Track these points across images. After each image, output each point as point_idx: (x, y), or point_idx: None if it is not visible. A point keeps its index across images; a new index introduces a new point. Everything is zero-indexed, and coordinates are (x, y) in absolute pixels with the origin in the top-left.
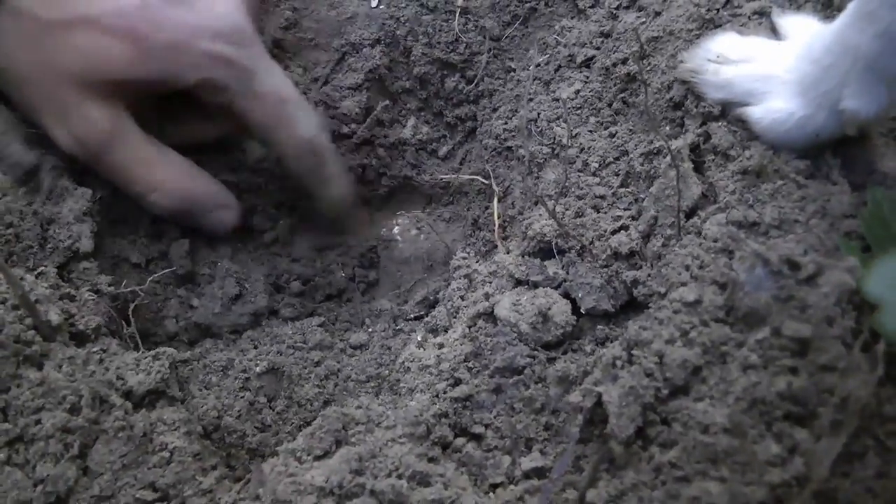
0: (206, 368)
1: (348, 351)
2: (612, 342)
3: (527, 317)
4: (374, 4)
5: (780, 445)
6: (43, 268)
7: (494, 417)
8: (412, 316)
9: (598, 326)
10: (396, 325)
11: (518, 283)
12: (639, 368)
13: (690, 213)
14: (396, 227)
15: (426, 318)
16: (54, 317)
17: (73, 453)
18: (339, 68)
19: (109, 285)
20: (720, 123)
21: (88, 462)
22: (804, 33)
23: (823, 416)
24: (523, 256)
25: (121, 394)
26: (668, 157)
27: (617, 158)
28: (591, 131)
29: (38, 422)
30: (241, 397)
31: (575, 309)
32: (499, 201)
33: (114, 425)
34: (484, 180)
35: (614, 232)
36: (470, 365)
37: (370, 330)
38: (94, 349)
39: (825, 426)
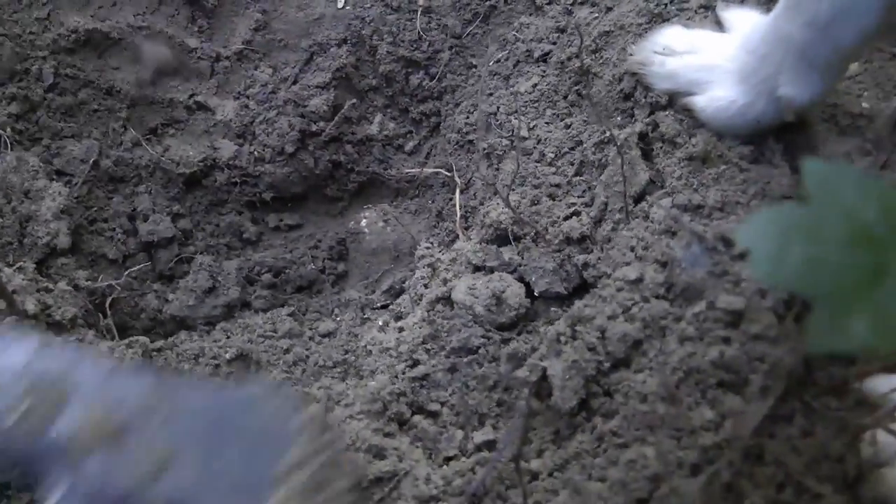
0: (178, 357)
1: (316, 339)
2: None
3: (482, 300)
4: (340, 5)
5: (714, 411)
6: (22, 263)
7: (449, 395)
8: (378, 305)
9: (552, 308)
10: (364, 314)
11: (475, 268)
12: (581, 343)
13: (639, 199)
14: (364, 220)
15: (391, 307)
16: (31, 306)
17: None
18: (307, 68)
19: (87, 280)
20: (667, 112)
21: None
22: (745, 25)
23: (754, 383)
24: (481, 243)
25: None
26: (616, 146)
27: (572, 148)
28: (547, 123)
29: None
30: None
31: (529, 292)
32: (461, 193)
33: None
34: (447, 173)
35: (567, 218)
36: (427, 346)
37: (339, 319)
38: (71, 339)
39: (755, 391)
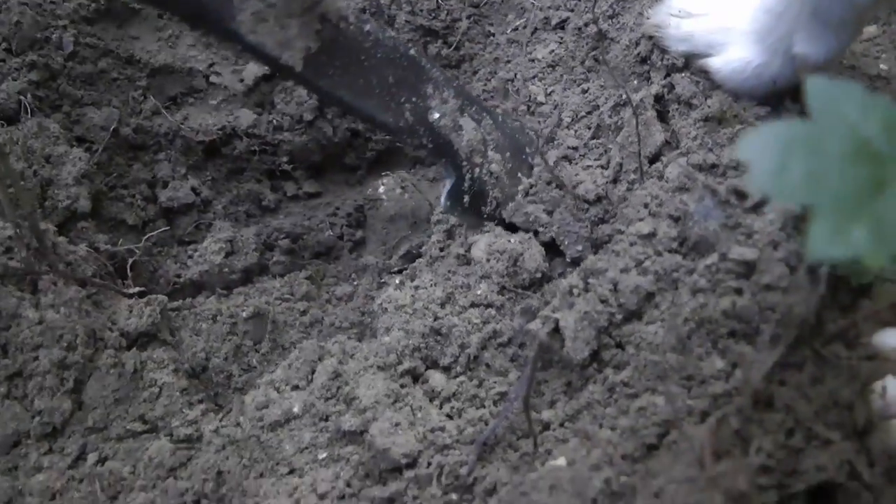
0: (196, 316)
1: (333, 301)
2: None
3: (501, 260)
4: None
5: (724, 360)
6: (43, 225)
7: (463, 350)
8: (395, 269)
9: (569, 269)
10: (381, 279)
11: (497, 228)
12: (594, 295)
13: (654, 159)
14: (382, 187)
15: (407, 270)
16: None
17: (69, 388)
18: None
19: (106, 243)
20: (683, 74)
21: (83, 396)
22: None
23: (765, 332)
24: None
25: (114, 334)
26: (632, 107)
27: (589, 112)
28: (565, 88)
29: (35, 358)
30: (229, 340)
31: (549, 252)
32: None
33: (107, 362)
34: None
35: (583, 182)
36: (443, 302)
37: (356, 283)
38: (91, 293)
39: (766, 340)
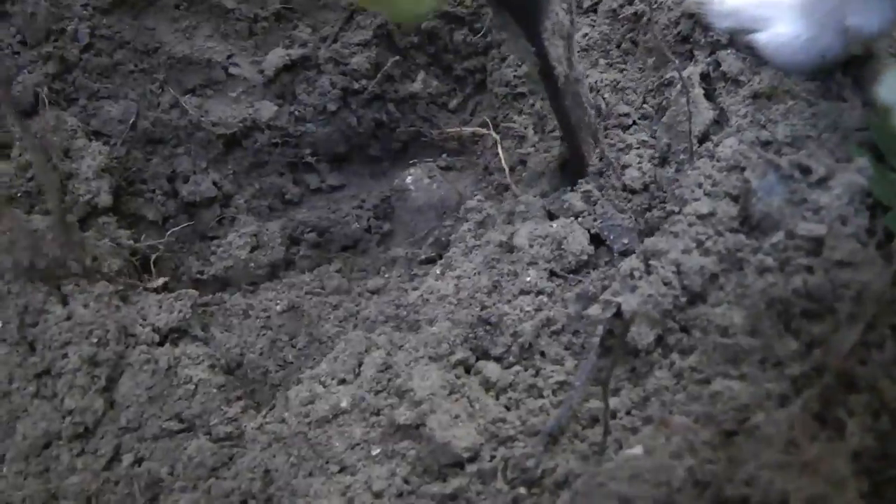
0: (226, 312)
1: (366, 295)
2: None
3: (545, 245)
4: None
5: (799, 341)
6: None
7: (515, 339)
8: (423, 257)
9: (616, 257)
10: (412, 270)
11: (542, 216)
12: (656, 278)
13: (703, 139)
14: (410, 178)
15: (440, 261)
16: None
17: (100, 386)
18: (347, 26)
19: (128, 239)
20: (729, 51)
21: (115, 395)
22: None
23: (840, 310)
24: (543, 195)
25: (146, 330)
26: (679, 86)
27: (630, 95)
28: (601, 72)
29: (64, 355)
30: (263, 335)
31: (592, 239)
32: (510, 148)
33: (139, 359)
34: (485, 131)
35: (626, 166)
36: (489, 291)
37: (386, 276)
38: (119, 289)
39: (842, 319)
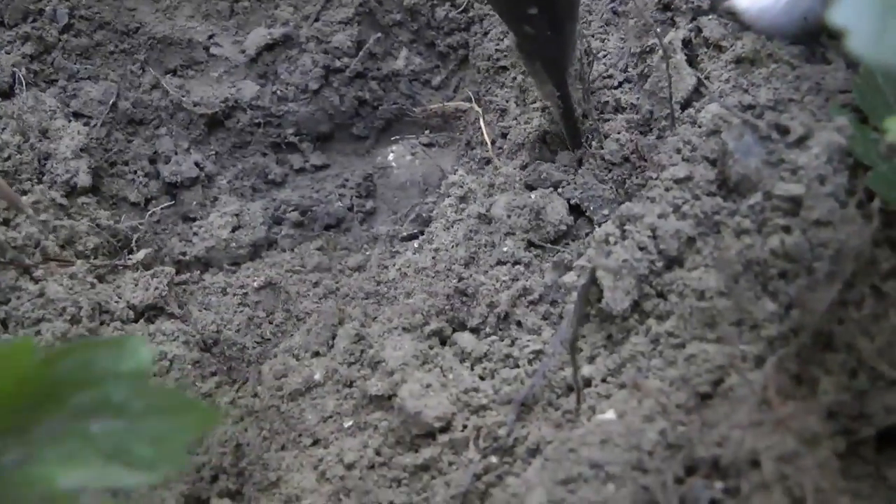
0: (205, 290)
1: (347, 272)
2: None
3: (523, 215)
4: None
5: (776, 303)
6: (42, 199)
7: (492, 310)
8: (405, 234)
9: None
10: (394, 247)
11: (520, 188)
12: (632, 242)
13: (685, 105)
14: (391, 155)
15: (422, 236)
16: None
17: None
18: (329, 4)
19: (108, 220)
20: (710, 17)
21: None
22: None
23: (818, 269)
24: (524, 167)
25: (121, 306)
26: (661, 52)
27: (612, 63)
28: (583, 43)
29: (37, 332)
30: (240, 312)
31: (572, 208)
32: (493, 122)
33: (113, 335)
34: (468, 104)
35: (607, 135)
36: (466, 262)
37: (368, 253)
38: (95, 267)
39: (820, 278)
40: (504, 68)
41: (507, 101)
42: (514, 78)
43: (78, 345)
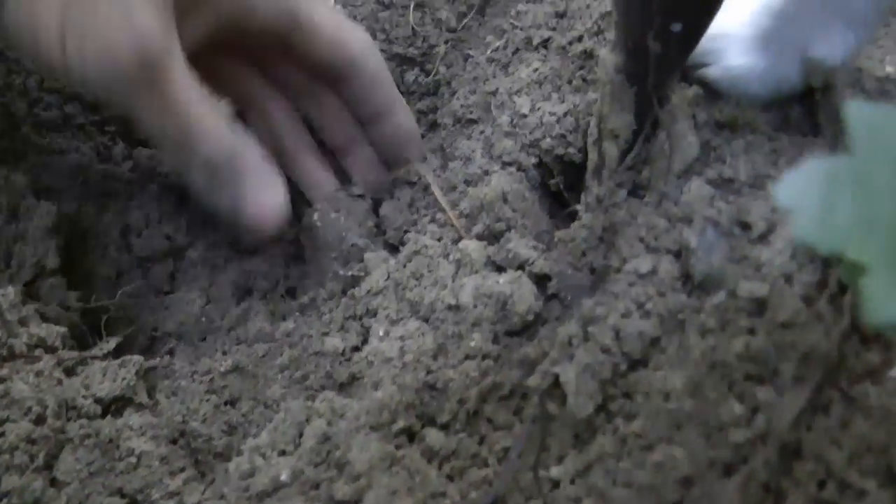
0: (174, 374)
1: (317, 354)
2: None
3: (490, 304)
4: (330, 4)
5: (743, 405)
6: (10, 287)
7: (462, 406)
8: (364, 311)
9: (568, 311)
10: (362, 323)
11: (484, 268)
12: (594, 345)
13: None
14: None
15: (385, 310)
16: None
17: (39, 464)
18: None
19: (78, 300)
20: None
21: (55, 472)
22: None
23: (785, 373)
24: (488, 242)
25: (88, 401)
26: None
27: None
28: (553, 105)
29: (1, 434)
30: (207, 400)
31: (543, 292)
32: (456, 169)
33: (79, 433)
34: (411, 177)
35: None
36: (434, 354)
37: (337, 331)
38: (62, 360)
39: (787, 382)
40: (472, 121)
41: (472, 151)
42: (482, 132)
43: None
